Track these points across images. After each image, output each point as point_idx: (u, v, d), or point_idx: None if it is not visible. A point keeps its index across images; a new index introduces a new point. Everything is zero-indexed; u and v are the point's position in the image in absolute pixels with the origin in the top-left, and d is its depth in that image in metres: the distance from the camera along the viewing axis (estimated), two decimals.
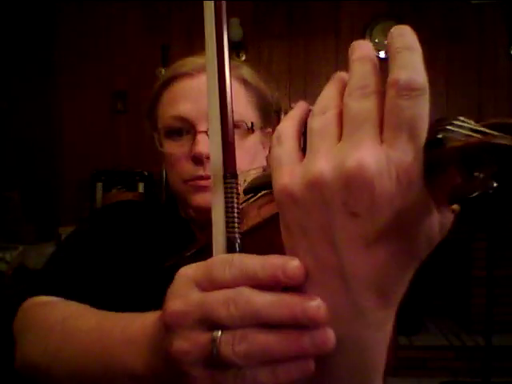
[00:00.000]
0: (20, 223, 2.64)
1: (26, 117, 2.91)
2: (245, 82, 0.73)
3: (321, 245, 0.28)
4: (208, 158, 0.66)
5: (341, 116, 0.29)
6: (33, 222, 2.74)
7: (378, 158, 0.26)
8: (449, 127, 0.26)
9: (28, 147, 2.92)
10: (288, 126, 0.32)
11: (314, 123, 0.30)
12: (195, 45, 3.10)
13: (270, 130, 0.79)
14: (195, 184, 0.69)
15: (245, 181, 0.48)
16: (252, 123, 0.71)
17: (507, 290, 2.69)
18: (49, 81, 3.20)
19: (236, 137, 0.70)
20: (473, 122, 0.27)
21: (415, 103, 0.26)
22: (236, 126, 0.70)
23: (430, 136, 0.26)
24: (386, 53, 3.11)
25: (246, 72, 0.75)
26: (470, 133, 0.25)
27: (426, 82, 0.27)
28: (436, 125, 0.27)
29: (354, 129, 0.27)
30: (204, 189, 0.68)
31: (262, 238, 0.39)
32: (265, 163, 0.79)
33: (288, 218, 0.29)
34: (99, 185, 3.02)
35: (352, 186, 0.26)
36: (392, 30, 0.32)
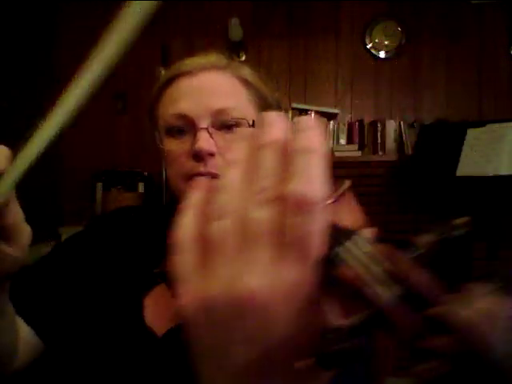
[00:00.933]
0: None
1: (25, 117, 2.91)
2: (246, 82, 0.74)
3: (209, 369, 0.27)
4: (209, 154, 0.67)
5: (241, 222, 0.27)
6: (33, 222, 2.73)
7: (269, 280, 0.25)
8: (342, 248, 0.26)
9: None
10: (185, 232, 0.29)
11: (211, 229, 0.27)
12: (195, 45, 3.10)
13: None
14: (195, 182, 0.68)
15: None
16: (253, 121, 0.71)
17: None
18: (49, 80, 3.20)
19: (237, 135, 0.70)
20: (368, 246, 0.26)
21: (308, 219, 0.25)
22: (237, 123, 0.70)
23: (326, 253, 0.26)
24: (386, 53, 3.11)
25: (247, 72, 0.75)
26: (362, 258, 0.25)
27: (321, 194, 0.25)
28: (332, 241, 0.26)
29: (249, 242, 0.26)
30: None
31: None
32: None
33: (190, 334, 0.28)
34: (99, 185, 3.02)
35: (240, 310, 0.25)
36: (296, 121, 0.28)
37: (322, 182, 0.26)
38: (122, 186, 2.95)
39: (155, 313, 0.69)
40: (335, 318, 0.25)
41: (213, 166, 0.67)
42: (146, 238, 0.78)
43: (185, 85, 0.72)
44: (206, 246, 0.27)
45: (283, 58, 3.17)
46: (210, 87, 0.71)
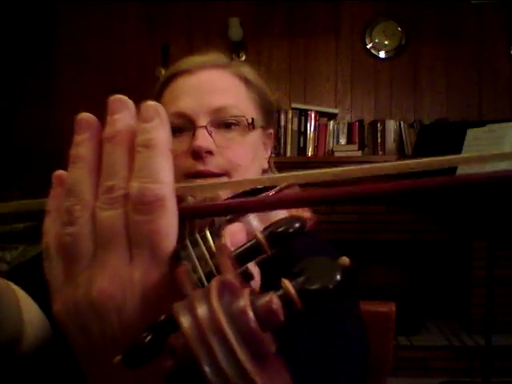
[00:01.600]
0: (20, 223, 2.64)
1: (25, 117, 2.91)
2: (246, 81, 0.73)
3: (89, 367, 0.28)
4: (207, 152, 0.67)
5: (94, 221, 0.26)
6: (33, 222, 2.74)
7: (120, 281, 0.25)
8: (181, 245, 0.26)
9: (28, 147, 2.92)
10: (47, 239, 0.28)
11: (63, 236, 0.27)
12: (195, 45, 3.10)
13: (271, 131, 0.78)
14: (194, 180, 0.68)
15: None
16: (253, 119, 0.71)
17: (507, 289, 2.69)
18: (49, 81, 3.21)
19: (236, 133, 0.70)
20: (210, 241, 0.26)
21: (151, 218, 0.25)
22: (236, 122, 0.70)
23: (175, 250, 0.26)
24: (386, 53, 3.11)
25: (247, 70, 0.75)
26: (204, 255, 0.25)
27: (165, 190, 0.25)
28: (181, 237, 0.26)
29: (101, 244, 0.26)
30: None
31: None
32: (265, 164, 0.78)
33: (68, 338, 0.28)
34: None
35: (100, 313, 0.26)
36: (142, 110, 0.28)
37: (164, 177, 0.26)
38: None
39: None
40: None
41: (212, 164, 0.67)
42: None
43: (184, 83, 0.71)
44: (64, 252, 0.27)
45: (283, 58, 3.17)
46: (210, 85, 0.70)
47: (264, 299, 0.21)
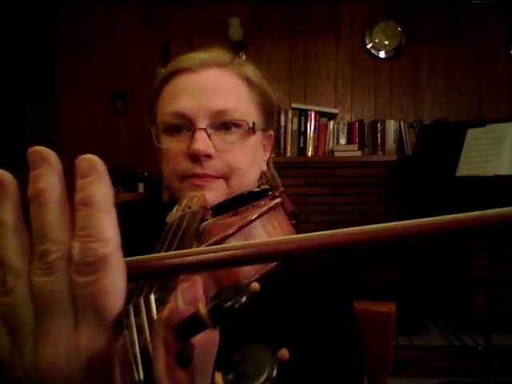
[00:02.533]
0: None
1: (26, 117, 2.91)
2: (248, 81, 0.71)
3: None
4: (206, 155, 0.65)
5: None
6: None
7: (65, 350, 0.24)
8: (123, 312, 0.24)
9: (28, 147, 2.91)
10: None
11: (1, 306, 0.26)
12: (195, 45, 3.09)
13: (271, 132, 0.77)
14: (191, 182, 0.67)
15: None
16: (254, 123, 0.69)
17: (507, 289, 2.69)
18: (49, 81, 3.21)
19: (236, 136, 0.69)
20: (154, 311, 0.24)
21: (94, 278, 0.24)
22: (237, 125, 0.68)
23: (118, 315, 0.24)
24: (386, 53, 3.11)
25: (250, 71, 0.73)
26: (144, 326, 0.23)
27: (109, 248, 0.24)
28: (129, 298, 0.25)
29: (41, 311, 0.24)
30: (200, 188, 0.66)
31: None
32: (264, 166, 0.77)
33: None
34: None
35: (48, 382, 0.25)
36: (76, 165, 0.26)
37: (107, 234, 0.24)
38: (122, 186, 2.94)
39: None
40: None
41: (210, 167, 0.66)
42: (144, 234, 0.77)
43: (185, 82, 0.69)
44: (4, 322, 0.26)
45: (283, 58, 3.17)
46: (211, 86, 0.68)
47: None
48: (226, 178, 0.67)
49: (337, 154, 2.89)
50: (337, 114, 3.07)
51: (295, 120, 2.97)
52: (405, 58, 3.10)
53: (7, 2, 2.77)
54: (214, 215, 0.45)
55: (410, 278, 2.80)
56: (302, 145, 2.97)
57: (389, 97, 3.12)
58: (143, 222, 0.78)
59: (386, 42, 3.10)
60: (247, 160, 0.69)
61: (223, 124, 0.68)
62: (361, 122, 3.03)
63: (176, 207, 0.36)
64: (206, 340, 0.24)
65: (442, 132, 2.50)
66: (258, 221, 0.39)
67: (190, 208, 0.45)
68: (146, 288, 0.26)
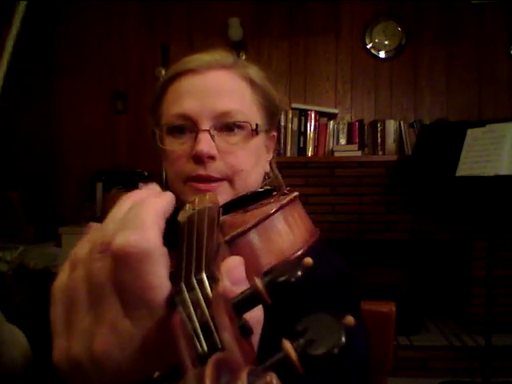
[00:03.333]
0: (20, 223, 2.64)
1: (26, 117, 2.91)
2: (251, 82, 0.72)
3: None
4: (209, 157, 0.65)
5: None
6: (33, 222, 2.74)
7: (118, 337, 0.25)
8: (177, 292, 0.25)
9: (28, 147, 2.91)
10: (57, 282, 0.29)
11: (68, 280, 0.28)
12: (195, 45, 3.10)
13: (274, 133, 0.77)
14: (194, 185, 0.67)
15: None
16: (257, 125, 0.69)
17: (507, 289, 2.69)
18: (49, 81, 3.21)
19: (239, 138, 0.69)
20: (207, 289, 0.25)
21: (132, 271, 0.25)
22: (241, 126, 0.68)
23: (170, 294, 0.25)
24: (386, 53, 3.11)
25: (254, 72, 0.73)
26: (188, 305, 0.24)
27: (148, 243, 0.25)
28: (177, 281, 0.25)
29: (96, 297, 0.26)
30: (203, 192, 0.65)
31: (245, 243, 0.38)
32: (267, 167, 0.77)
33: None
34: (99, 185, 3.02)
35: (100, 366, 0.26)
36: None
37: (151, 230, 0.26)
38: (122, 186, 2.94)
39: None
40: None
41: (213, 169, 0.66)
42: None
43: (189, 83, 0.69)
44: (65, 296, 0.28)
45: (283, 58, 3.17)
46: (215, 88, 0.69)
47: (263, 381, 0.19)
48: (229, 179, 0.68)
49: (337, 154, 2.89)
50: (337, 114, 3.07)
51: (295, 120, 2.97)
52: (405, 58, 3.09)
53: (7, 2, 2.77)
54: (223, 214, 0.45)
55: (410, 278, 2.80)
56: (301, 145, 2.97)
57: (389, 97, 3.12)
58: None
59: (386, 42, 3.10)
60: (250, 161, 0.69)
61: (226, 125, 0.68)
62: (361, 122, 3.03)
63: (188, 205, 0.36)
64: (259, 314, 0.26)
65: (441, 132, 2.50)
66: (278, 213, 0.39)
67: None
68: (192, 268, 0.27)
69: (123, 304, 0.25)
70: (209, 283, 0.25)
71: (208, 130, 0.66)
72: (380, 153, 2.95)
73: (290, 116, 2.97)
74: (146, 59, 3.15)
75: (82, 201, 3.08)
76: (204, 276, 0.26)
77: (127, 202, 0.29)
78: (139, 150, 3.11)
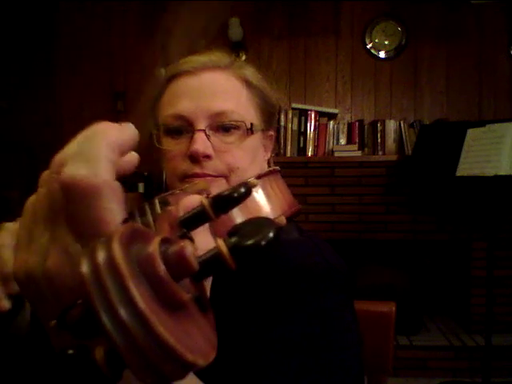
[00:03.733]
0: None
1: (26, 117, 2.91)
2: (247, 83, 0.73)
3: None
4: (205, 156, 0.67)
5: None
6: None
7: (69, 258, 0.26)
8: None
9: (28, 147, 2.92)
10: (28, 201, 0.31)
11: (31, 197, 0.30)
12: (195, 45, 3.10)
13: (271, 132, 0.78)
14: (191, 181, 0.67)
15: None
16: (252, 124, 0.70)
17: (507, 289, 2.69)
18: (49, 81, 3.21)
19: (235, 137, 0.70)
20: (158, 211, 0.25)
21: (79, 202, 0.26)
22: (235, 126, 0.69)
23: (123, 220, 0.26)
24: (386, 53, 3.11)
25: (250, 72, 0.74)
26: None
27: (97, 177, 0.26)
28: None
29: (53, 216, 0.28)
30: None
31: None
32: (265, 166, 0.78)
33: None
34: None
35: (51, 282, 0.27)
36: None
37: (102, 164, 0.26)
38: (122, 186, 2.94)
39: None
40: None
41: (209, 167, 0.67)
42: None
43: (185, 84, 0.71)
44: (32, 212, 0.30)
45: (283, 58, 3.17)
46: (210, 88, 0.70)
47: (176, 246, 0.20)
48: (225, 177, 0.69)
49: (337, 154, 2.89)
50: (337, 114, 3.07)
51: (295, 120, 2.97)
52: (405, 58, 3.09)
53: (7, 2, 2.77)
54: None
55: (410, 278, 2.80)
56: (302, 145, 2.97)
57: (389, 97, 3.12)
58: None
59: (386, 42, 3.10)
60: (246, 160, 0.70)
61: (222, 125, 0.69)
62: (361, 122, 3.03)
63: (178, 191, 0.37)
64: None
65: (441, 132, 2.50)
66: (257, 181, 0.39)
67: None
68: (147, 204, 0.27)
69: (74, 231, 0.26)
70: (160, 206, 0.26)
71: (203, 130, 0.68)
72: (380, 153, 2.95)
73: (290, 116, 2.97)
74: (146, 59, 3.15)
75: None
76: (156, 201, 0.27)
77: (88, 131, 0.29)
78: (139, 150, 3.11)
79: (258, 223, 0.21)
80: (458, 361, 2.60)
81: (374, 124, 3.01)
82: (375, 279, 2.70)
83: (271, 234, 0.20)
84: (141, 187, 3.01)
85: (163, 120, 0.72)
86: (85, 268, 0.19)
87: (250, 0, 3.13)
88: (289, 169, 2.74)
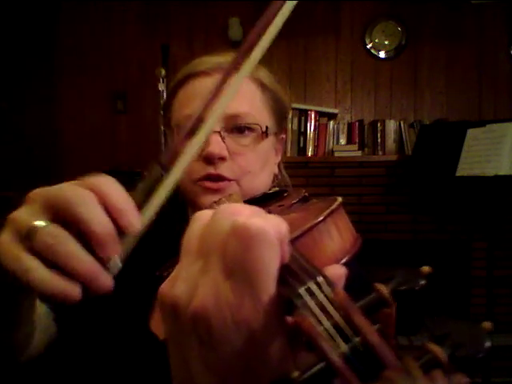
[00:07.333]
0: None
1: (26, 117, 2.91)
2: (262, 85, 0.73)
3: (175, 355, 0.30)
4: (220, 158, 0.66)
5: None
6: None
7: (215, 298, 0.26)
8: (303, 289, 0.26)
9: (28, 147, 2.91)
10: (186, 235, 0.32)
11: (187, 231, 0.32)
12: (195, 45, 3.10)
13: (283, 136, 0.78)
14: (204, 185, 0.67)
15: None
16: (267, 127, 0.70)
17: (507, 289, 2.69)
18: (49, 81, 3.21)
19: (250, 140, 0.70)
20: (329, 290, 0.25)
21: (248, 251, 0.26)
22: (251, 128, 0.69)
23: (285, 295, 0.26)
24: (386, 53, 3.11)
25: (264, 75, 0.74)
26: (318, 305, 0.24)
27: (271, 229, 0.27)
28: (294, 278, 0.26)
29: (207, 250, 0.28)
30: (213, 191, 0.67)
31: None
32: (276, 169, 0.78)
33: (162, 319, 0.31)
34: None
35: (193, 323, 0.27)
36: None
37: (277, 219, 0.27)
38: (122, 186, 2.94)
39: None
40: (287, 363, 0.26)
41: (223, 169, 0.67)
42: (152, 238, 0.76)
43: (200, 85, 0.70)
44: (185, 244, 0.31)
45: (283, 58, 3.17)
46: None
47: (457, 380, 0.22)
48: (237, 180, 0.68)
49: (337, 154, 2.89)
50: (337, 114, 3.07)
51: (295, 120, 2.97)
52: (405, 58, 3.09)
53: (8, 3, 2.77)
54: None
55: None
56: (301, 145, 2.97)
57: (389, 97, 3.12)
58: (167, 224, 0.79)
59: (386, 42, 3.10)
60: (258, 164, 0.70)
61: (237, 127, 0.69)
62: (361, 122, 3.03)
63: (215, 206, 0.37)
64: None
65: (441, 132, 2.50)
66: (329, 217, 0.39)
67: None
68: (305, 275, 0.27)
69: (227, 269, 0.27)
70: (328, 287, 0.26)
71: (219, 132, 0.67)
72: (380, 153, 2.95)
73: (290, 116, 2.97)
74: (145, 59, 3.15)
75: None
76: (321, 279, 0.26)
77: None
78: (139, 149, 3.11)
79: (468, 331, 0.24)
80: None
81: (373, 124, 3.01)
82: (375, 279, 2.70)
83: (422, 282, 0.24)
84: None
85: (177, 120, 0.71)
86: None
87: (249, 0, 3.13)
88: (289, 169, 2.73)
